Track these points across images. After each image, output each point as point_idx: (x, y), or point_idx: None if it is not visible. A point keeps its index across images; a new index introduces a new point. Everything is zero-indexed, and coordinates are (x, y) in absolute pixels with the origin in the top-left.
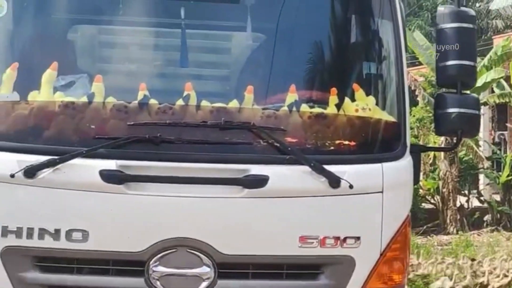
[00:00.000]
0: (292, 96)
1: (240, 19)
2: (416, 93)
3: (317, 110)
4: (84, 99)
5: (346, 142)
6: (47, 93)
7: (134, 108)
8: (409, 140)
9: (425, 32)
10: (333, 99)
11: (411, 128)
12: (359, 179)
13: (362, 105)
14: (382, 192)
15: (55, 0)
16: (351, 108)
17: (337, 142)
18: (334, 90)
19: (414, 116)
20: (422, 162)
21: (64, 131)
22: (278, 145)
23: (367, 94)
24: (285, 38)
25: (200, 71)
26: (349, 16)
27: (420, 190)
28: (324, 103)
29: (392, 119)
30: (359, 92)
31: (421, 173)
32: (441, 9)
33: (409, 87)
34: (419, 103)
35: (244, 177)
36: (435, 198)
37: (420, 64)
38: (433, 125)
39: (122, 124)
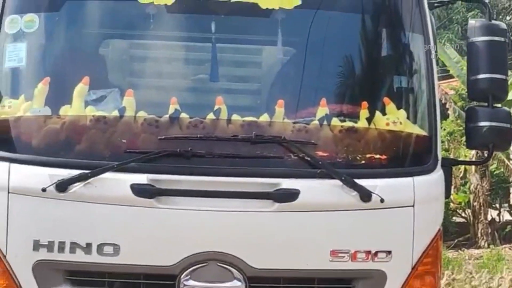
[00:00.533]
0: (322, 110)
1: (270, 33)
2: (447, 106)
3: (348, 124)
4: (115, 113)
5: (377, 156)
6: (78, 107)
7: (165, 122)
8: (440, 153)
9: (455, 46)
10: (364, 113)
11: (442, 142)
12: (390, 193)
13: (393, 119)
14: (413, 206)
15: (86, 15)
16: (382, 122)
17: (368, 156)
18: (365, 103)
19: (444, 129)
20: (453, 175)
21: (95, 145)
22: (309, 159)
23: (398, 108)
24: (316, 52)
25: (231, 85)
26: (379, 30)
27: (451, 204)
28: (355, 117)
29: (423, 132)
30: (390, 106)
31: (452, 187)
32: (472, 22)
33: (440, 101)
34: (449, 116)
35: (275, 191)
36: (466, 212)
37: (451, 77)
38: (464, 138)
39: (153, 138)
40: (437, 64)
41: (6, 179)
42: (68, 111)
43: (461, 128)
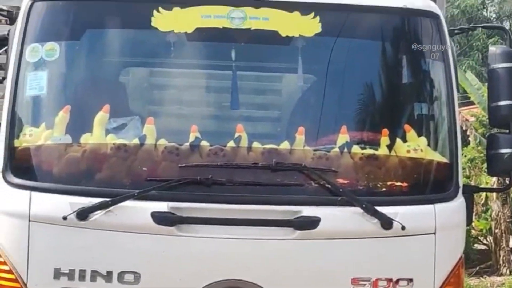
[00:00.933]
0: (343, 137)
1: (290, 61)
2: (468, 133)
3: (368, 151)
4: (136, 141)
5: (398, 183)
6: (99, 135)
7: (186, 150)
8: (461, 180)
9: (476, 72)
10: (385, 140)
11: (463, 169)
12: (411, 221)
13: (414, 146)
14: (434, 233)
15: (107, 43)
16: (402, 149)
17: (389, 183)
18: (385, 131)
19: (465, 156)
20: (474, 202)
21: (116, 173)
22: (329, 186)
23: (419, 135)
24: (336, 79)
25: (251, 112)
26: (400, 57)
27: (472, 231)
28: (375, 144)
29: (444, 160)
30: (411, 133)
31: (473, 214)
32: (492, 49)
33: (461, 127)
34: (470, 143)
35: (296, 219)
36: (488, 239)
37: (471, 103)
38: (485, 165)
39: (174, 166)
40: (458, 90)
41: (27, 207)
42: (88, 139)
43: (482, 155)
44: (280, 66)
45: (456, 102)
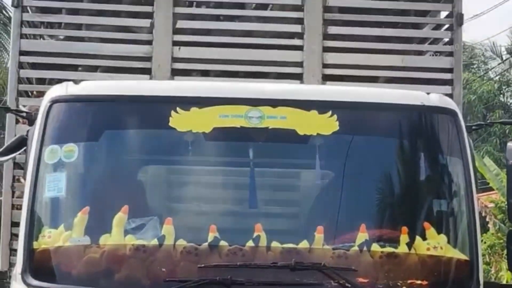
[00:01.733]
0: (362, 235)
1: (308, 158)
2: (487, 219)
3: (388, 249)
4: (155, 242)
5: (418, 282)
6: (118, 236)
7: (205, 250)
8: (482, 277)
9: (494, 158)
10: (404, 238)
11: (483, 255)
12: None
13: (434, 244)
14: None
15: (125, 143)
16: (422, 247)
17: (409, 281)
18: (405, 229)
19: (485, 243)
20: None
21: (135, 274)
22: (349, 285)
23: (439, 232)
24: (354, 177)
25: (270, 209)
26: (418, 155)
27: None
28: (395, 242)
29: (464, 257)
30: (430, 231)
31: None
32: (511, 145)
33: (480, 214)
34: (489, 229)
35: None
36: None
37: (490, 189)
38: (505, 251)
39: (193, 266)
40: (477, 186)
41: None
42: (107, 240)
43: (501, 241)
44: (298, 163)
45: (475, 198)
